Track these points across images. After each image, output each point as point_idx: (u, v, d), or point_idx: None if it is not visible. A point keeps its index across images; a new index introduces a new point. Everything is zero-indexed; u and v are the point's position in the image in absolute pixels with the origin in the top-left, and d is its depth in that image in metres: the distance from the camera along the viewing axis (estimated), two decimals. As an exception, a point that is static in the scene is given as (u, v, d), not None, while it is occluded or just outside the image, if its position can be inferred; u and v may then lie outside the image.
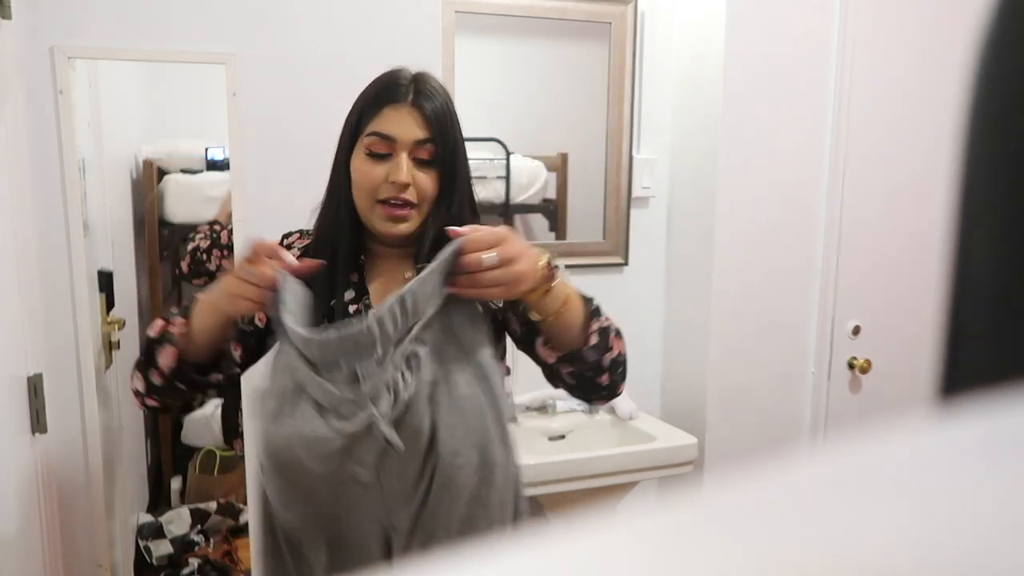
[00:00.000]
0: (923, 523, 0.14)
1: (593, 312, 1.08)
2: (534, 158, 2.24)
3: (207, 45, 1.80)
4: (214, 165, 2.82)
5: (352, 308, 1.13)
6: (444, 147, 1.09)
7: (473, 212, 1.17)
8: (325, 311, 1.10)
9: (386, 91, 1.09)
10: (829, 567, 0.13)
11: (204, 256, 2.54)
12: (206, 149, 2.84)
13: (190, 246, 2.62)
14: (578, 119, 2.23)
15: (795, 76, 2.14)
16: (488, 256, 0.96)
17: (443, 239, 1.11)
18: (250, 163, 1.87)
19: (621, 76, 2.18)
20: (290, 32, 1.84)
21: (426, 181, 1.08)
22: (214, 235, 2.56)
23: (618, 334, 1.09)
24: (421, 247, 1.13)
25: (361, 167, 1.08)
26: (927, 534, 0.13)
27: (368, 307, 1.13)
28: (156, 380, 1.08)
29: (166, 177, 2.84)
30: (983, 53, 0.22)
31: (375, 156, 1.07)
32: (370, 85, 1.12)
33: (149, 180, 2.85)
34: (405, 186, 1.06)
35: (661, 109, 2.26)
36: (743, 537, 0.14)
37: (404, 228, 1.09)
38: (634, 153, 2.24)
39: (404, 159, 1.06)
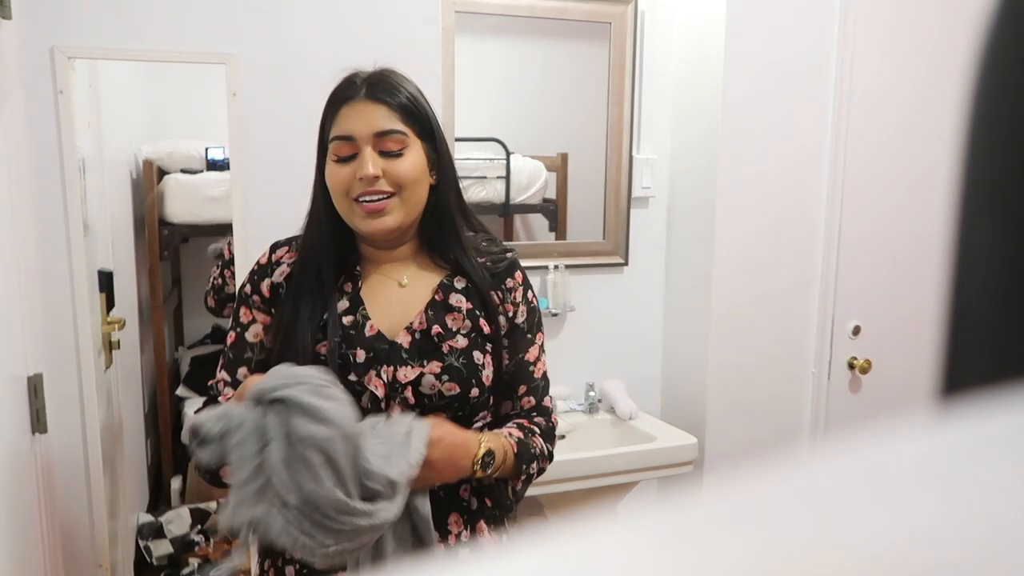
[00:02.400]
0: (923, 523, 0.14)
1: (523, 471, 1.12)
2: (534, 158, 2.24)
3: (207, 45, 1.80)
4: (214, 165, 2.82)
5: (347, 320, 1.11)
6: (412, 132, 1.08)
7: (459, 201, 1.16)
8: (316, 327, 1.09)
9: (340, 91, 1.09)
10: (829, 567, 0.13)
11: (220, 281, 2.58)
12: (206, 149, 2.84)
13: (209, 285, 2.68)
14: (578, 119, 2.23)
15: (795, 76, 2.14)
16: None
17: (436, 230, 1.14)
18: (250, 163, 1.87)
19: (621, 76, 2.18)
20: (290, 32, 1.84)
21: (399, 168, 1.06)
22: (221, 261, 2.60)
23: (545, 458, 1.16)
24: (420, 242, 1.15)
25: (331, 172, 1.08)
26: (927, 534, 0.13)
27: (366, 318, 1.11)
28: None
29: (166, 177, 2.84)
30: (984, 53, 0.22)
31: (342, 160, 1.06)
32: (331, 93, 1.11)
33: (149, 180, 2.85)
34: (374, 179, 1.05)
35: (661, 109, 2.26)
36: (743, 537, 0.14)
37: (388, 221, 1.07)
38: (634, 153, 2.24)
39: (368, 153, 1.05)
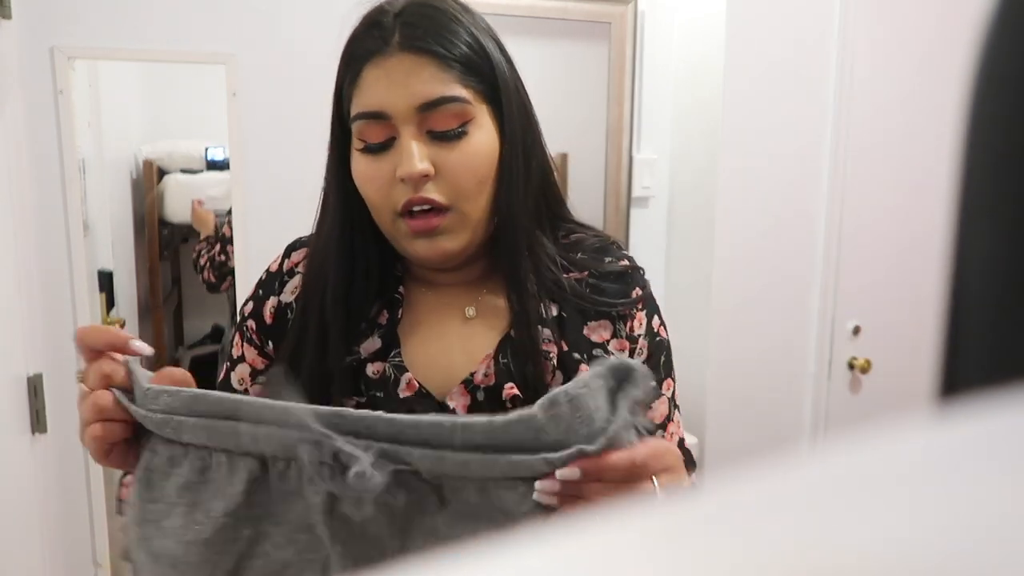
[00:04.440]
0: (922, 523, 0.14)
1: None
2: (534, 158, 2.24)
3: (207, 45, 1.80)
4: (214, 165, 2.82)
5: (374, 370, 0.73)
6: (477, 96, 0.70)
7: (554, 198, 0.81)
8: (315, 376, 0.72)
9: (360, 40, 0.72)
10: (828, 567, 0.13)
11: (223, 257, 2.57)
12: (206, 149, 2.84)
13: (201, 260, 2.66)
14: (578, 119, 2.23)
15: (795, 76, 2.14)
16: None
17: (518, 243, 0.73)
18: (250, 163, 1.87)
19: (621, 76, 2.18)
20: (290, 32, 1.84)
21: (457, 163, 0.69)
22: (220, 235, 2.58)
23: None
24: (494, 262, 0.76)
25: (361, 171, 0.71)
26: (926, 534, 0.13)
27: (400, 369, 0.73)
28: None
29: (166, 177, 2.84)
30: (983, 52, 0.22)
31: (373, 149, 0.70)
32: (348, 39, 0.75)
33: (149, 180, 2.85)
34: (422, 179, 0.68)
35: (661, 109, 2.26)
36: (742, 537, 0.14)
37: (447, 244, 0.71)
38: (634, 153, 2.24)
39: (410, 140, 0.68)
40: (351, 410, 0.57)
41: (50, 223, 1.72)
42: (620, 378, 0.57)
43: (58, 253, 1.74)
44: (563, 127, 2.26)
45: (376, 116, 0.69)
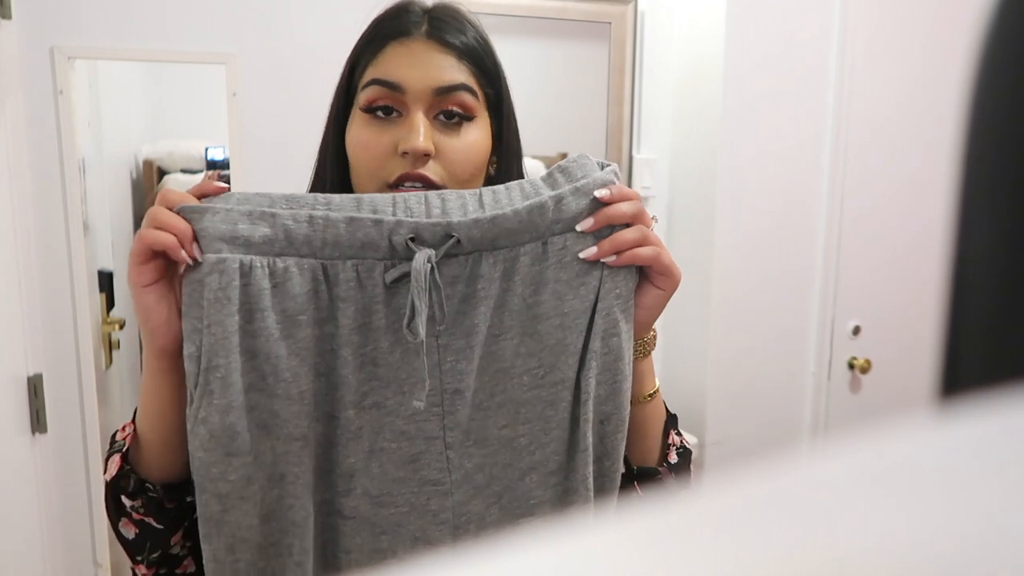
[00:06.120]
0: (922, 523, 0.14)
1: (672, 421, 0.83)
2: (534, 158, 2.24)
3: (207, 45, 1.80)
4: (214, 165, 2.82)
5: None
6: (482, 97, 0.75)
7: None
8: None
9: (388, 21, 0.75)
10: (828, 568, 0.13)
11: None
12: (206, 149, 2.84)
13: None
14: (578, 119, 2.23)
15: (795, 75, 2.14)
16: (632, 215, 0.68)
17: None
18: (250, 163, 1.87)
19: (621, 76, 2.18)
20: (290, 32, 1.84)
21: (457, 149, 0.72)
22: None
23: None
24: None
25: (359, 136, 0.73)
26: (926, 534, 0.13)
27: None
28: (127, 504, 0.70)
29: (166, 177, 2.84)
30: (983, 51, 0.22)
31: (378, 116, 0.72)
32: (372, 20, 0.77)
33: (149, 180, 2.85)
34: (424, 157, 0.70)
35: (661, 109, 2.26)
36: (742, 537, 0.14)
37: None
38: (634, 153, 2.24)
39: (420, 118, 0.71)
40: (403, 194, 0.68)
41: (50, 223, 1.73)
42: (604, 164, 0.71)
43: (58, 253, 1.74)
44: (563, 127, 2.26)
45: (392, 87, 0.72)
